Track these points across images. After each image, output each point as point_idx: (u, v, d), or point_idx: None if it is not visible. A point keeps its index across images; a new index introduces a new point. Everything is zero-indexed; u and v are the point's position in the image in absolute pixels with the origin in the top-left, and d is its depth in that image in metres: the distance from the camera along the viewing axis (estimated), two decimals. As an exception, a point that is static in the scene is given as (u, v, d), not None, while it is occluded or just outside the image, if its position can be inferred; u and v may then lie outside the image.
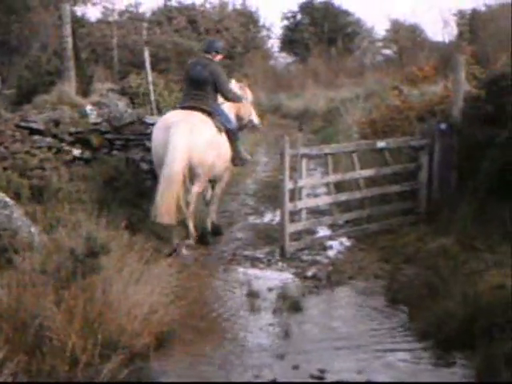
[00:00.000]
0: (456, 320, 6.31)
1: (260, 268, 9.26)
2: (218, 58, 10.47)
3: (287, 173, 9.42)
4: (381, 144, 10.72)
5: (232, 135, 10.34)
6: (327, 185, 10.74)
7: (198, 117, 9.76)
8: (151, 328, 6.16)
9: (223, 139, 10.10)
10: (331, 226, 10.74)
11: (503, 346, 5.47)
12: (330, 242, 10.34)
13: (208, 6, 21.58)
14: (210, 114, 9.93)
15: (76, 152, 10.52)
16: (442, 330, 6.33)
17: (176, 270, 7.23)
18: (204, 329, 6.91)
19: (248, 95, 11.40)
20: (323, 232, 10.80)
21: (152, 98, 14.04)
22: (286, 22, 41.91)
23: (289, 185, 9.51)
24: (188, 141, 9.32)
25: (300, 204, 9.86)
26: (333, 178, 10.50)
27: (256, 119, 11.68)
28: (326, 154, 10.43)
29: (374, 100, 16.20)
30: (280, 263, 9.39)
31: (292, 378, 5.83)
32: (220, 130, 9.97)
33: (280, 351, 6.36)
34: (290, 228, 9.65)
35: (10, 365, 5.17)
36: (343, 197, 10.54)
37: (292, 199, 9.69)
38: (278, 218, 10.71)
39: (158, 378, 5.86)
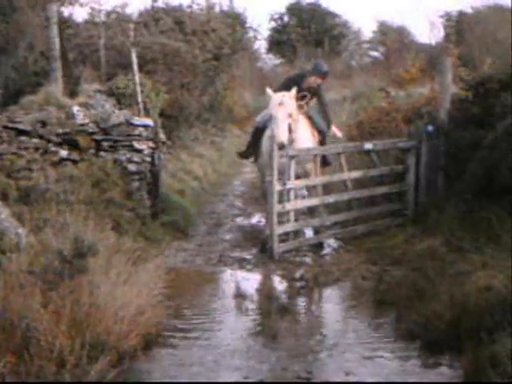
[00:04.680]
0: (443, 321, 6.33)
1: (248, 269, 9.26)
2: None
3: (275, 174, 9.40)
4: (368, 146, 10.73)
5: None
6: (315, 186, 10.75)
7: None
8: (139, 329, 6.15)
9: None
10: (319, 228, 10.70)
11: (490, 348, 5.48)
12: (317, 244, 10.33)
13: (195, 7, 21.49)
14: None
15: (63, 153, 10.45)
16: (430, 332, 6.35)
17: (163, 271, 7.21)
18: (191, 330, 6.91)
19: None
20: (311, 233, 10.79)
21: (139, 99, 13.96)
22: (273, 24, 41.90)
23: (277, 186, 9.48)
24: None
25: (288, 205, 9.85)
26: (321, 179, 10.51)
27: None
28: (314, 156, 10.44)
29: (361, 102, 16.20)
30: (268, 265, 9.39)
31: (280, 379, 5.83)
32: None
33: (268, 354, 6.35)
34: (278, 229, 9.64)
35: (-2, 366, 5.17)
36: (331, 198, 10.55)
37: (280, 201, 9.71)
38: (265, 220, 10.71)
39: (146, 378, 5.85)
